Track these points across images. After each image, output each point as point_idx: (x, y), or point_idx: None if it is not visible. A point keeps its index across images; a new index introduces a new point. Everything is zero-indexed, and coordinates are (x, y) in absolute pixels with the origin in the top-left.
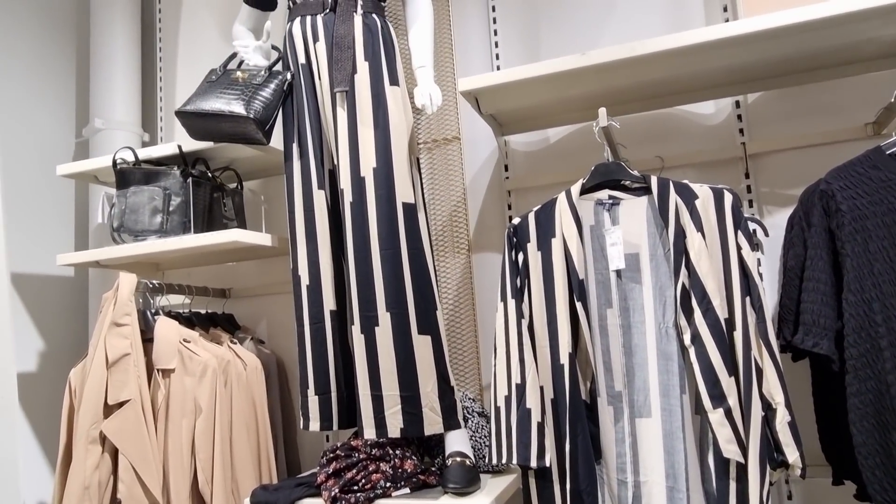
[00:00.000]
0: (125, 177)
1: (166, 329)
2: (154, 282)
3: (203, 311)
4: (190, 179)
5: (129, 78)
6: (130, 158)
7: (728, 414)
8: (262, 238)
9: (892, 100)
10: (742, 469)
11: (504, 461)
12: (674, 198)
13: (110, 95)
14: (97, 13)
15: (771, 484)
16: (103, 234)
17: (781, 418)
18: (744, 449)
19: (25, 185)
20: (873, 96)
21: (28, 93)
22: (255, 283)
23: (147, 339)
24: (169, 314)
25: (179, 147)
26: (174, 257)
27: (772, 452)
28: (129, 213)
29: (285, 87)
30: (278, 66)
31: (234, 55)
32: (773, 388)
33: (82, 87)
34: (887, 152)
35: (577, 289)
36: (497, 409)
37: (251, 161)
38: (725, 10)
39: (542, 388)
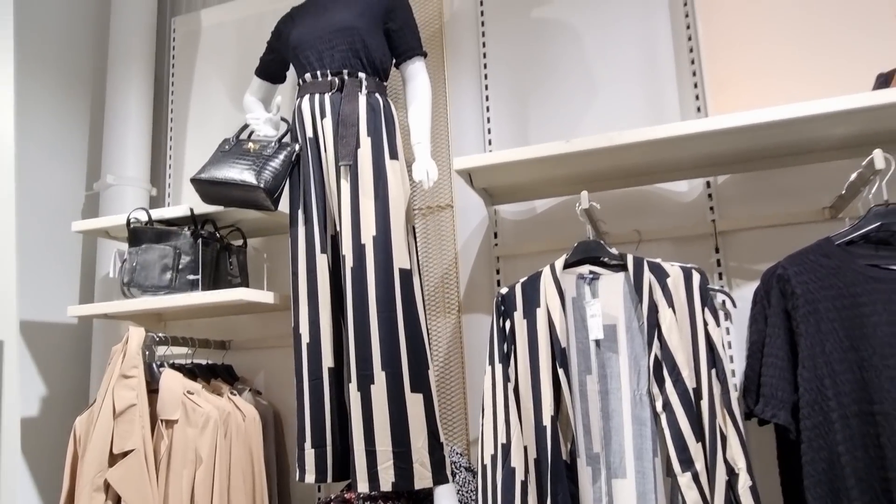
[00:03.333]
0: (137, 235)
1: (171, 381)
2: (160, 335)
3: (204, 363)
4: (199, 240)
5: (141, 136)
6: (144, 218)
7: (696, 478)
8: (265, 296)
9: (843, 192)
10: None
11: None
12: (648, 275)
13: (122, 152)
14: (114, 76)
15: None
16: (109, 286)
17: (744, 483)
18: None
19: (35, 236)
20: (830, 183)
21: (44, 148)
22: (255, 336)
23: (152, 389)
24: (172, 365)
25: (191, 209)
26: (178, 310)
27: None
28: (139, 269)
29: (293, 159)
30: (287, 138)
31: (245, 126)
32: (736, 454)
33: (94, 143)
34: (836, 243)
35: (560, 356)
36: (484, 467)
37: (255, 221)
38: (699, 109)
39: (525, 448)
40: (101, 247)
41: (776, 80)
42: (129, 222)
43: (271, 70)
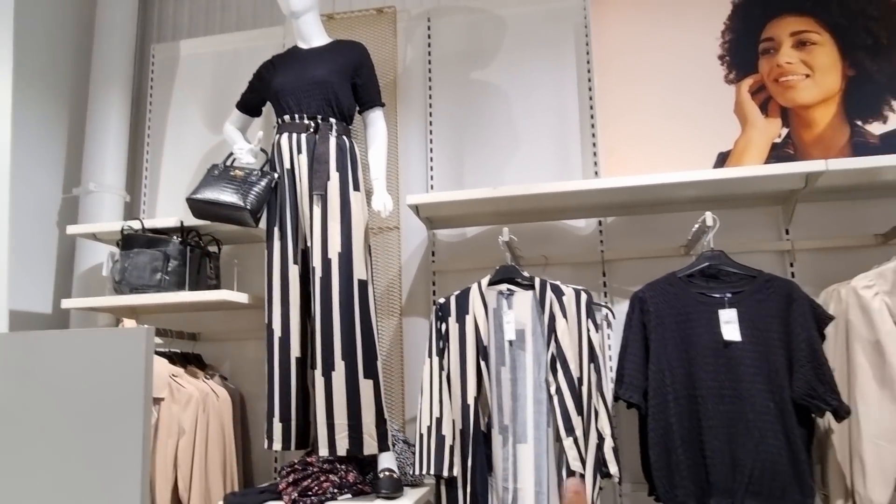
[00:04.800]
0: (130, 240)
1: (158, 365)
2: (146, 327)
3: (178, 351)
4: (188, 248)
5: (119, 148)
6: (137, 227)
7: (575, 441)
8: (240, 297)
9: (689, 237)
10: (582, 478)
11: (425, 472)
12: (549, 294)
13: (102, 162)
14: (95, 92)
15: (601, 488)
16: (86, 281)
17: (608, 445)
18: (584, 465)
19: (19, 234)
20: (685, 229)
21: (27, 153)
22: (221, 330)
23: None
24: (156, 352)
25: (181, 222)
26: (162, 306)
27: (601, 467)
28: (130, 270)
29: (272, 185)
30: (266, 167)
31: (230, 154)
32: (603, 424)
33: (72, 151)
34: (679, 276)
35: (482, 352)
36: (421, 436)
37: (229, 232)
38: (595, 165)
39: (453, 421)
40: (80, 247)
41: (652, 149)
42: (122, 230)
43: (251, 105)
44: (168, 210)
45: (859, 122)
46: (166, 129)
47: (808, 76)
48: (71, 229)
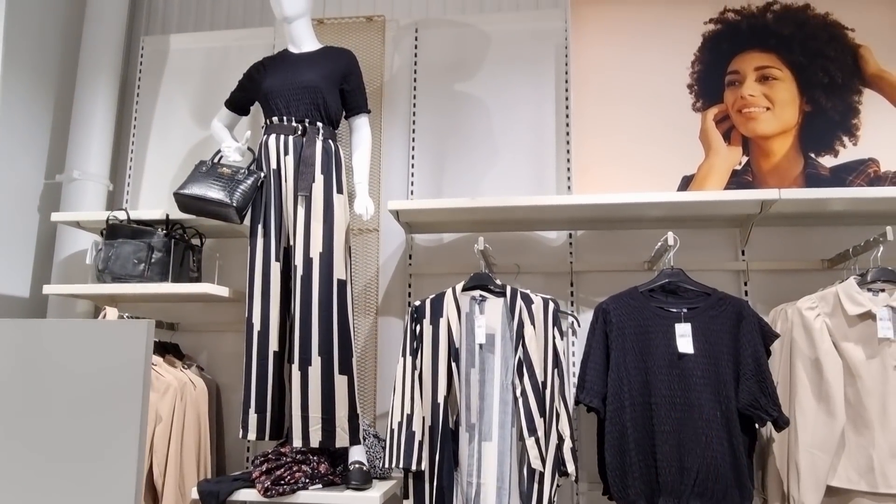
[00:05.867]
0: (115, 230)
1: None
2: (126, 314)
3: (157, 340)
4: (172, 240)
5: (104, 138)
6: (123, 217)
7: (537, 441)
8: (221, 290)
9: (653, 254)
10: (542, 476)
11: (395, 465)
12: (519, 301)
13: (87, 150)
14: (83, 81)
15: (559, 486)
16: (66, 268)
17: (567, 446)
18: (544, 464)
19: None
20: (650, 244)
21: (10, 138)
22: (200, 321)
23: None
24: None
25: (167, 215)
26: (133, 295)
27: (560, 466)
28: (114, 259)
29: (258, 184)
30: (252, 166)
31: (218, 151)
32: (564, 426)
33: (56, 138)
34: (640, 290)
35: (454, 354)
36: (392, 431)
37: (212, 227)
38: (569, 180)
39: (423, 418)
40: (61, 233)
41: (622, 168)
42: (108, 220)
43: (239, 104)
44: (151, 201)
45: (813, 155)
46: (152, 121)
47: (768, 109)
48: (56, 216)
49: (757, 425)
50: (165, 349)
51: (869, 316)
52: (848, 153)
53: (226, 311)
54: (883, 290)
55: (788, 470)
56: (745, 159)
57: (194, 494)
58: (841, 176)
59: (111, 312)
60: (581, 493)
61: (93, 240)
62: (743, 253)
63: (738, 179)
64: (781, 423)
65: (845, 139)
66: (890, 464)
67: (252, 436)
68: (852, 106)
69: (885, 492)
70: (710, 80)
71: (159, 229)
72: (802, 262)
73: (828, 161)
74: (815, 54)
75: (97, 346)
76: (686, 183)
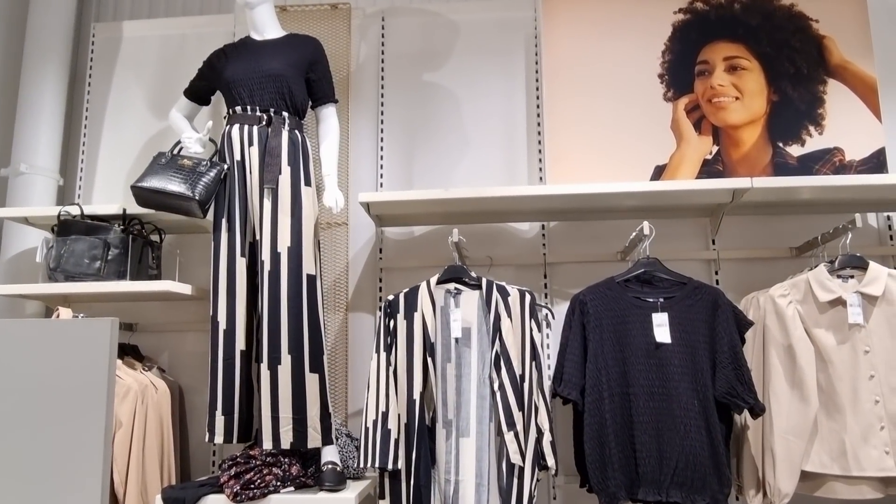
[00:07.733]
0: (67, 226)
1: None
2: (80, 315)
3: None
4: (130, 236)
5: (53, 129)
6: (75, 212)
7: (516, 436)
8: (184, 288)
9: (626, 244)
10: (521, 471)
11: (370, 465)
12: (495, 294)
13: (34, 143)
14: (28, 69)
15: (538, 480)
16: (18, 268)
17: (546, 440)
18: (524, 458)
19: None
20: (622, 236)
21: None
22: (160, 321)
23: None
24: None
25: (124, 210)
26: (88, 295)
27: (539, 460)
28: (67, 257)
29: (222, 176)
30: (215, 157)
31: (178, 143)
32: (542, 420)
33: (0, 130)
34: (617, 280)
35: (430, 348)
36: (367, 429)
37: (172, 222)
38: (541, 172)
39: (399, 416)
40: (7, 230)
41: (594, 158)
42: (59, 215)
43: (199, 94)
44: (106, 196)
45: (780, 144)
46: (106, 112)
47: (737, 98)
48: (2, 212)
49: (733, 413)
50: (124, 351)
51: (839, 302)
52: (814, 142)
53: (187, 310)
54: (852, 277)
55: (763, 456)
56: (715, 149)
57: (158, 502)
58: (808, 165)
59: (65, 313)
60: (558, 487)
61: (43, 237)
62: (714, 242)
63: (708, 169)
64: (758, 410)
65: (811, 128)
66: (862, 447)
67: (219, 439)
68: (818, 96)
69: (858, 475)
70: (681, 70)
71: (116, 225)
72: (771, 250)
73: (795, 150)
74: (782, 45)
75: (56, 347)
76: (659, 172)
